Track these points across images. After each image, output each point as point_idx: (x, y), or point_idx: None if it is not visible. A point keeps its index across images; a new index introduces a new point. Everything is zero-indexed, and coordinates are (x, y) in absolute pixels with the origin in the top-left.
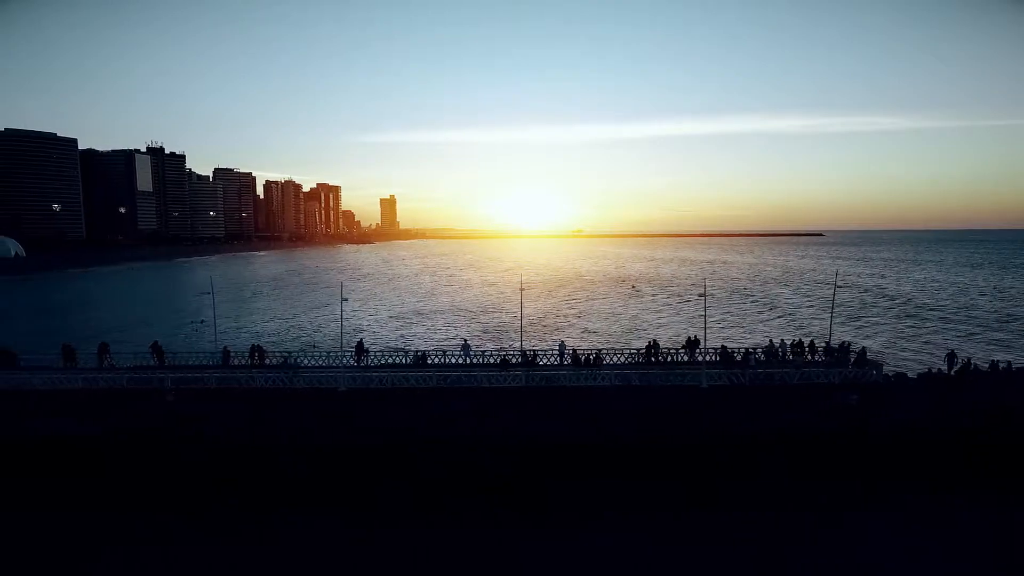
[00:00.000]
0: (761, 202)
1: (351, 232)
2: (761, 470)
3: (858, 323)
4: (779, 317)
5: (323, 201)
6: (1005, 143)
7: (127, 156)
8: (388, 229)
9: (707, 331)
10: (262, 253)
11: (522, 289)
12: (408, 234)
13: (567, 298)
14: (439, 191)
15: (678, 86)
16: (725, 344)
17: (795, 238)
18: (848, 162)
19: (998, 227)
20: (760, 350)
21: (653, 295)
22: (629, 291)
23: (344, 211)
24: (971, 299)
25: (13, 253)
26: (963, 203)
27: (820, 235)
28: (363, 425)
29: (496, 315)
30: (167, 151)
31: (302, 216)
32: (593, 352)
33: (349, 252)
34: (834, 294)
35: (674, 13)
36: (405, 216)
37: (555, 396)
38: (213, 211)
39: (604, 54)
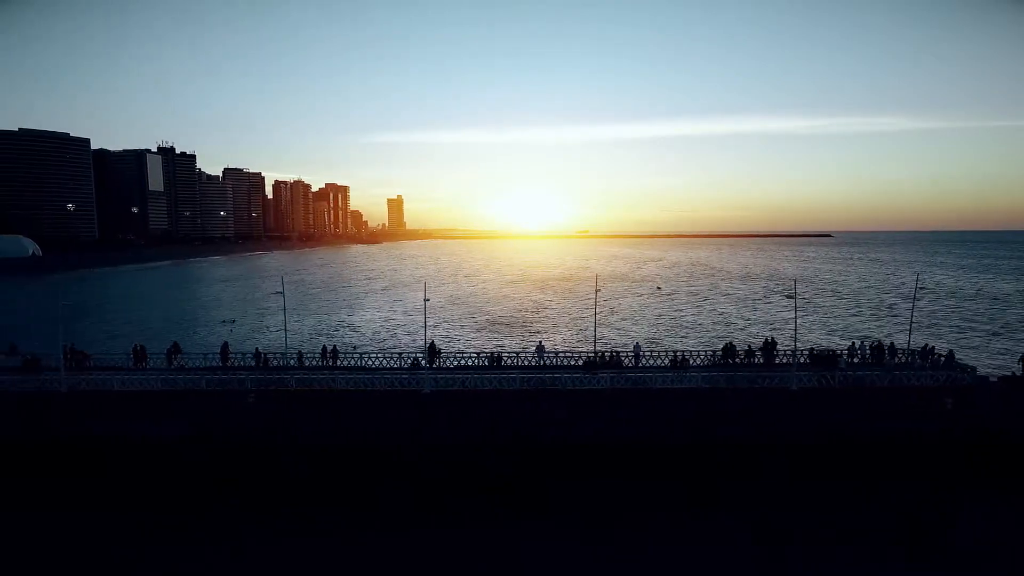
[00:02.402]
0: (765, 203)
1: (359, 232)
2: (879, 473)
3: (905, 325)
4: (821, 319)
5: (331, 201)
6: (1009, 143)
7: (138, 156)
8: (396, 229)
9: (796, 333)
10: (273, 253)
11: (597, 290)
12: (415, 234)
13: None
14: (440, 191)
15: (678, 86)
16: (770, 346)
17: (803, 239)
18: (852, 163)
19: (1006, 228)
20: (845, 351)
21: (684, 297)
22: (655, 291)
23: (352, 211)
24: (1000, 301)
25: (31, 252)
26: (969, 204)
27: (828, 236)
28: (451, 428)
29: (523, 314)
30: (177, 151)
31: (311, 216)
32: (680, 354)
33: (362, 252)
34: (915, 297)
35: (674, 13)
36: (408, 216)
37: (645, 398)
38: (223, 211)
39: (605, 54)
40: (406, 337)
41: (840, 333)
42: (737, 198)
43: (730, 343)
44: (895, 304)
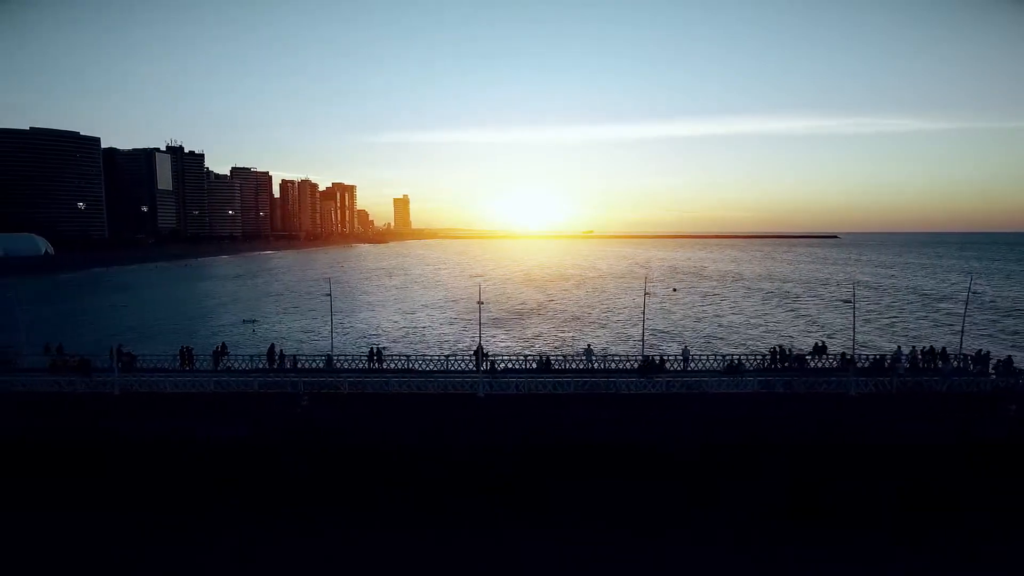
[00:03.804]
0: (769, 203)
1: (366, 232)
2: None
3: (936, 329)
4: (847, 323)
5: (338, 200)
6: (1015, 144)
7: (148, 155)
8: (401, 229)
9: (855, 338)
10: (283, 252)
11: (646, 294)
12: (421, 234)
13: (621, 296)
14: (443, 191)
15: (682, 87)
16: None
17: (810, 240)
18: (856, 164)
19: (1013, 230)
20: (891, 356)
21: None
22: (671, 292)
23: (358, 211)
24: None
25: (43, 251)
26: (975, 205)
27: (835, 236)
28: (511, 432)
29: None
30: (186, 150)
31: (318, 215)
32: (735, 358)
33: (373, 252)
34: (967, 300)
35: (675, 13)
36: (412, 215)
37: (704, 403)
38: (231, 210)
39: (607, 55)
40: (433, 337)
41: (874, 337)
42: (741, 199)
43: (780, 346)
44: (916, 307)
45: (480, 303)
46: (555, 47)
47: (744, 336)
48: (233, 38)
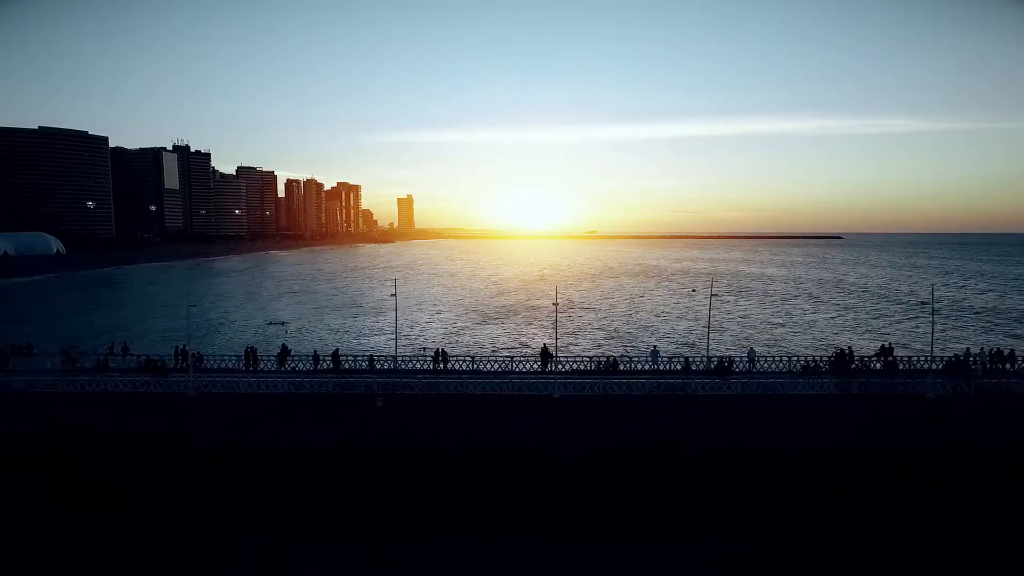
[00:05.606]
0: (772, 204)
1: (371, 231)
2: None
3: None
4: (869, 323)
5: (343, 200)
6: (1018, 145)
7: (155, 154)
8: (405, 228)
9: (933, 340)
10: (291, 252)
11: (712, 295)
12: (426, 234)
13: (637, 296)
14: (446, 190)
15: (680, 86)
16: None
17: (815, 240)
18: (861, 164)
19: (1017, 231)
20: (962, 357)
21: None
22: (690, 293)
23: (363, 210)
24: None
25: (55, 250)
26: (981, 206)
27: (839, 237)
28: (591, 434)
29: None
30: (192, 149)
31: (323, 215)
32: (810, 360)
33: (384, 252)
34: None
35: (676, 13)
36: (415, 215)
37: (785, 404)
38: (237, 209)
39: (608, 55)
40: (467, 337)
41: (907, 338)
42: (743, 199)
43: (849, 348)
44: (927, 309)
45: (555, 304)
46: (555, 47)
47: (773, 336)
48: (239, 38)
